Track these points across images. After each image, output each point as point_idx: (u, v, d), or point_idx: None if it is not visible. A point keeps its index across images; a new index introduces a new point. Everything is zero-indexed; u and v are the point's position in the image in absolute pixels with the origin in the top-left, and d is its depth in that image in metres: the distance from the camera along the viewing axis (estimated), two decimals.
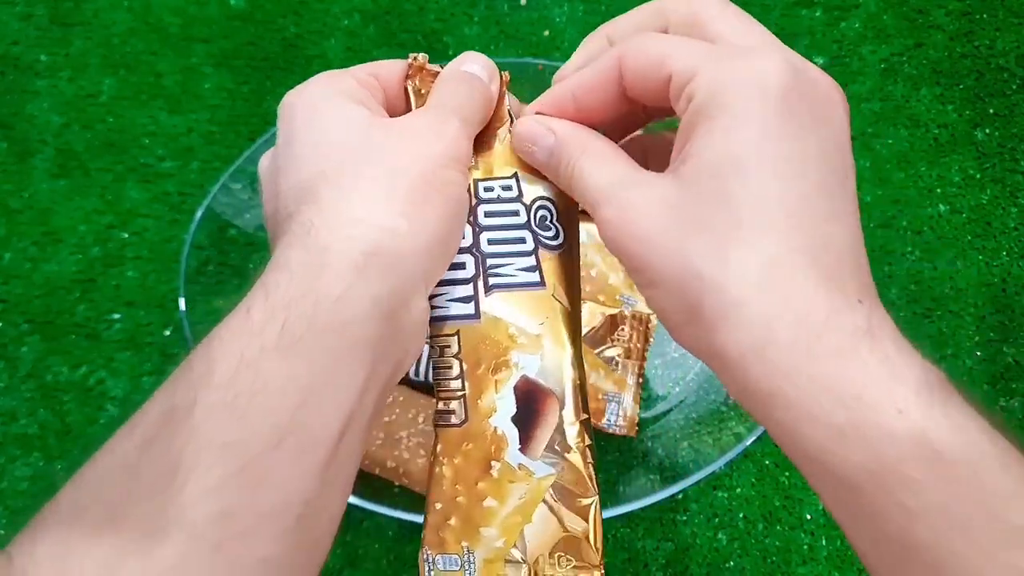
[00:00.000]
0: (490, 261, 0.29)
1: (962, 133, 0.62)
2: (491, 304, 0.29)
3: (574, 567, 0.28)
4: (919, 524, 0.20)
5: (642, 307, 0.55)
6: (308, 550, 0.24)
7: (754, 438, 0.50)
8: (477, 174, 0.30)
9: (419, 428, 0.50)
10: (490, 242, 0.29)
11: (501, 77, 0.31)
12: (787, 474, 0.53)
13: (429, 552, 0.29)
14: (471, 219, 0.29)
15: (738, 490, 0.53)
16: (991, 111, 0.62)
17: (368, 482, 0.51)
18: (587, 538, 0.28)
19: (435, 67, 0.31)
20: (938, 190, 0.60)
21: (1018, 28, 0.64)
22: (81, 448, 0.55)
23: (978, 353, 0.56)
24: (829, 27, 0.65)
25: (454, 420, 0.29)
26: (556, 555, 0.28)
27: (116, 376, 0.56)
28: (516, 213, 0.30)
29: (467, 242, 0.29)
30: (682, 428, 0.54)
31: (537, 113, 0.29)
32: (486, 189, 0.30)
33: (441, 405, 0.30)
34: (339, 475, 0.24)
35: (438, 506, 0.29)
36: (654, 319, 0.55)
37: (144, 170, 0.62)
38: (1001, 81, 0.63)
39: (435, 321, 0.29)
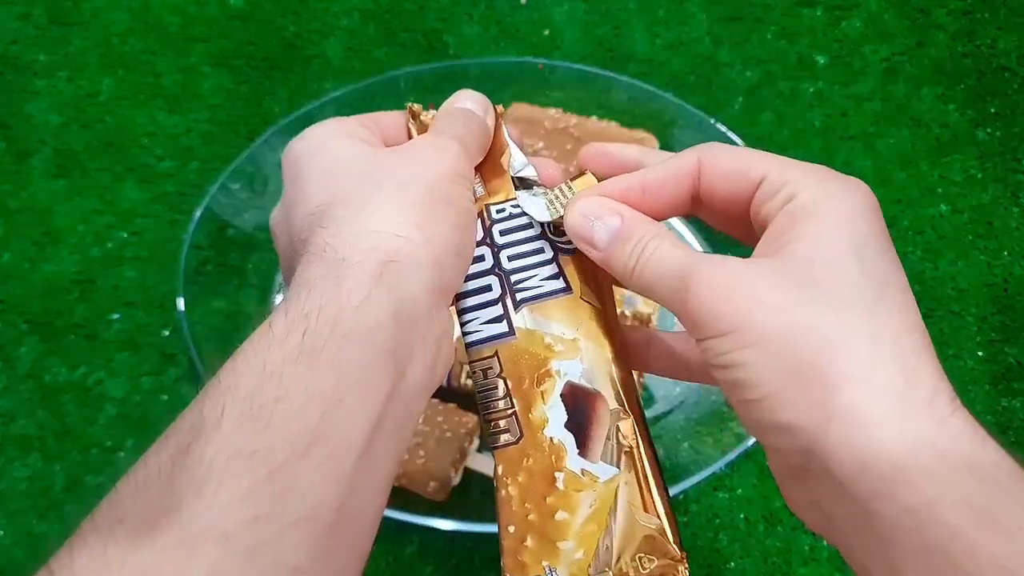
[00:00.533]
0: (514, 277, 0.30)
1: (963, 133, 0.61)
2: (523, 318, 0.30)
3: (658, 565, 0.28)
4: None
5: (642, 307, 0.55)
6: (343, 556, 0.24)
7: (755, 439, 0.50)
8: (488, 199, 0.31)
9: (419, 428, 0.50)
10: (510, 258, 0.30)
11: (496, 111, 0.32)
12: None
13: None
14: (488, 240, 0.30)
15: (739, 491, 0.53)
16: (993, 110, 0.62)
17: None
18: (663, 533, 0.28)
19: (430, 114, 0.32)
20: (939, 190, 0.60)
21: (1019, 27, 0.64)
22: (80, 448, 0.55)
23: (980, 353, 0.56)
24: (830, 26, 0.64)
25: (510, 439, 0.29)
26: (637, 557, 0.28)
27: (115, 376, 0.56)
28: (530, 226, 0.30)
29: (488, 264, 0.30)
30: (683, 428, 0.53)
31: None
32: (498, 211, 0.31)
33: (493, 427, 0.30)
34: (371, 481, 0.24)
35: (511, 529, 0.29)
36: (655, 319, 0.55)
37: (143, 170, 0.61)
38: (1003, 80, 0.63)
39: (472, 346, 0.30)
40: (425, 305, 0.26)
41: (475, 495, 0.52)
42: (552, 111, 0.56)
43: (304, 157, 0.29)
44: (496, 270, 0.30)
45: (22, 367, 0.57)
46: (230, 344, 0.59)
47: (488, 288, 0.30)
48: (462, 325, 0.30)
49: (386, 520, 0.52)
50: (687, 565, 0.28)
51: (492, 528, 0.50)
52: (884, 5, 0.65)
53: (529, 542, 0.29)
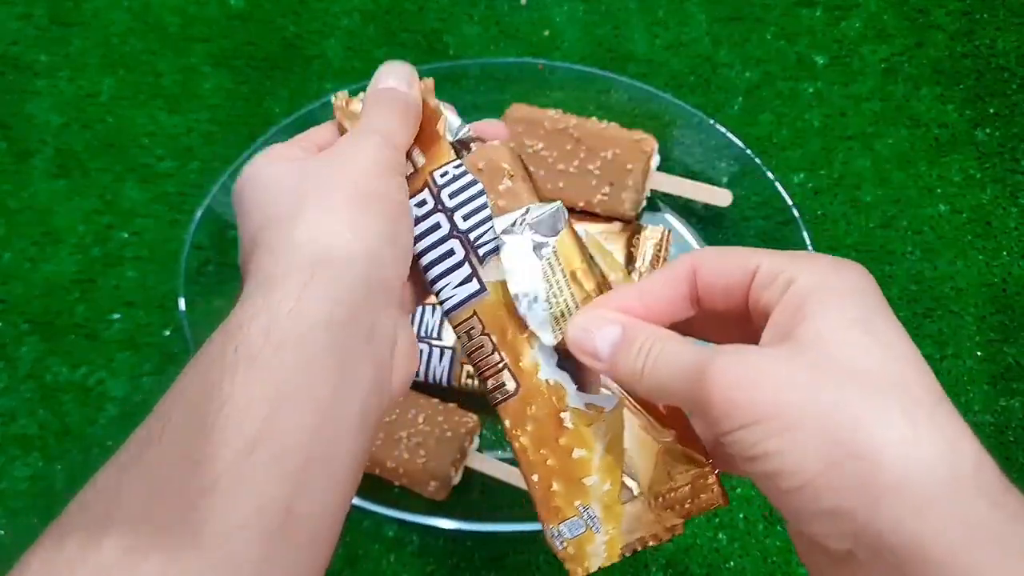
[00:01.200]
0: (472, 235, 0.30)
1: (962, 133, 0.61)
2: (489, 272, 0.30)
3: (687, 473, 0.28)
4: None
5: None
6: (297, 553, 0.24)
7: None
8: (430, 167, 0.31)
9: (419, 428, 0.50)
10: (464, 218, 0.30)
11: (423, 80, 0.33)
12: None
13: (550, 526, 0.29)
14: (440, 207, 0.31)
15: (739, 490, 0.53)
16: (991, 111, 0.62)
17: (368, 482, 0.51)
18: (681, 441, 0.28)
19: (359, 100, 0.33)
20: (938, 190, 0.60)
21: (1018, 28, 0.64)
22: (81, 448, 0.55)
23: (979, 353, 0.56)
24: (829, 27, 0.65)
25: (508, 391, 0.30)
26: (666, 471, 0.28)
27: (116, 376, 0.56)
28: (475, 182, 0.31)
29: (445, 229, 0.30)
30: None
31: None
32: (442, 176, 0.31)
33: (490, 383, 0.30)
34: (324, 481, 0.25)
35: (535, 478, 0.30)
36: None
37: (144, 170, 0.62)
38: (1001, 81, 0.63)
39: (451, 311, 0.30)
40: (364, 299, 0.26)
41: (475, 494, 0.52)
42: (552, 112, 0.56)
43: (244, 190, 0.29)
44: (455, 233, 0.30)
45: (23, 367, 0.57)
46: None
47: (452, 252, 0.30)
48: (437, 295, 0.30)
49: (386, 519, 0.53)
50: (716, 471, 0.28)
51: (493, 527, 0.50)
52: (883, 5, 0.65)
53: (556, 486, 0.29)
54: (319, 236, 0.27)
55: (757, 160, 0.56)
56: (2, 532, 0.53)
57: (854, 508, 0.21)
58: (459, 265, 0.30)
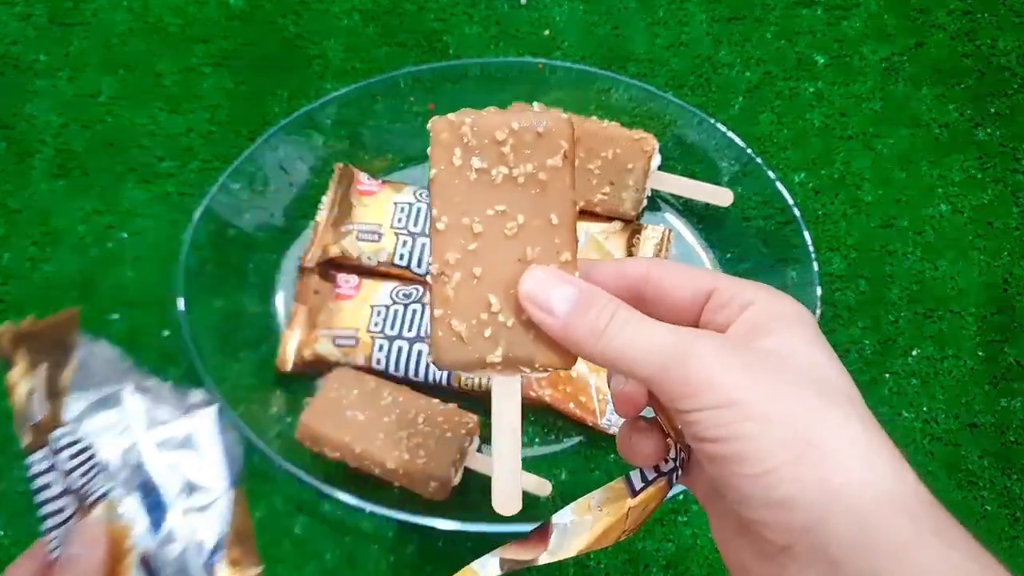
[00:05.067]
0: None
1: (963, 133, 0.61)
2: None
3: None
4: None
5: None
6: None
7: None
8: None
9: (419, 429, 0.50)
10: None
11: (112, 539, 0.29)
12: None
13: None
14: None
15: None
16: (992, 110, 0.62)
17: (368, 483, 0.51)
18: None
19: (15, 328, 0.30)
20: (939, 190, 0.60)
21: (1019, 27, 0.64)
22: None
23: (979, 353, 0.56)
24: (830, 26, 0.65)
25: None
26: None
27: None
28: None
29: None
30: None
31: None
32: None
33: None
34: None
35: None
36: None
37: (143, 170, 0.61)
38: (1002, 80, 0.63)
39: None
40: None
41: (475, 495, 0.52)
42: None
43: None
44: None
45: None
46: (229, 344, 0.59)
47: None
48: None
49: (386, 520, 0.53)
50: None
51: (492, 528, 0.50)
52: (884, 5, 0.65)
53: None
54: None
55: (758, 160, 0.56)
56: (1, 533, 0.53)
57: (812, 501, 0.23)
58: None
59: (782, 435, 0.23)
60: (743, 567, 0.26)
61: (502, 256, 0.29)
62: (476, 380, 0.53)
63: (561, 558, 0.29)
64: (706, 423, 0.24)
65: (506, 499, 0.30)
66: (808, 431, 0.23)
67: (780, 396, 0.24)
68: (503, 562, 0.29)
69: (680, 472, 0.30)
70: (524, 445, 0.54)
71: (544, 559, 0.29)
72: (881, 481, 0.23)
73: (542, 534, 0.30)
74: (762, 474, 0.23)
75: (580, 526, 0.30)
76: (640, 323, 0.27)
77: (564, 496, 0.51)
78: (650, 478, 0.30)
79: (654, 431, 0.30)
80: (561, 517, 0.30)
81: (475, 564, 0.29)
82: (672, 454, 0.30)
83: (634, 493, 0.30)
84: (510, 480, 0.30)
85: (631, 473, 0.30)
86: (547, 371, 0.30)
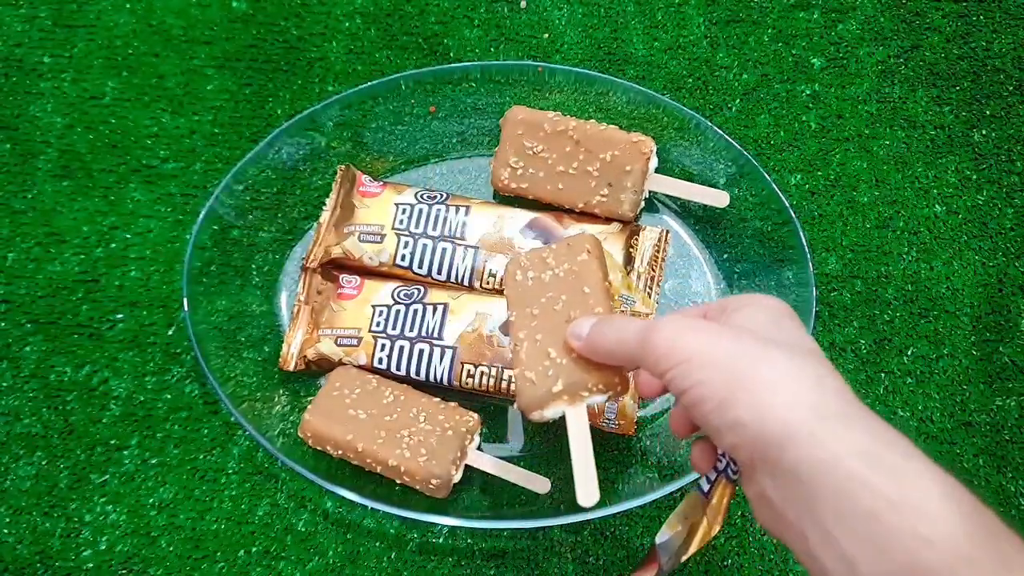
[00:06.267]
0: None
1: (959, 134, 0.62)
2: None
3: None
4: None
5: (640, 307, 0.56)
6: None
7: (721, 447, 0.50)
8: None
9: (420, 427, 0.51)
10: None
11: None
12: None
13: None
14: None
15: (736, 488, 0.53)
16: (988, 113, 0.63)
17: (369, 480, 0.52)
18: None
19: None
20: (935, 191, 0.61)
21: (1015, 30, 0.65)
22: (84, 447, 0.55)
23: (974, 353, 0.57)
24: (826, 29, 0.65)
25: None
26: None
27: (119, 376, 0.57)
28: None
29: None
30: None
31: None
32: None
33: None
34: None
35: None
36: (652, 319, 0.55)
37: (147, 171, 0.62)
38: (997, 83, 0.63)
39: None
40: None
41: (476, 492, 0.53)
42: (551, 114, 0.57)
43: None
44: None
45: (27, 366, 0.57)
46: (233, 343, 0.60)
47: None
48: None
49: (388, 517, 0.53)
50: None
51: (493, 525, 0.50)
52: (880, 8, 0.66)
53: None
54: None
55: (755, 161, 0.57)
56: (6, 530, 0.53)
57: (750, 419, 0.29)
58: None
59: (725, 374, 0.31)
60: (774, 521, 0.31)
61: (554, 322, 0.42)
62: (476, 380, 0.54)
63: (674, 567, 0.37)
64: (676, 379, 0.32)
65: (586, 495, 0.40)
66: (744, 367, 0.30)
67: (724, 347, 0.31)
68: None
69: (733, 465, 0.36)
70: (524, 444, 0.55)
71: (667, 567, 0.37)
72: (804, 392, 0.29)
73: (652, 556, 0.38)
74: (716, 407, 0.31)
75: (677, 538, 0.37)
76: (626, 321, 0.38)
77: (563, 493, 0.52)
78: (712, 479, 0.36)
79: (705, 443, 0.37)
80: (660, 537, 0.38)
81: None
82: (720, 453, 0.36)
83: (706, 496, 0.37)
84: (590, 482, 0.40)
85: (699, 481, 0.37)
86: (606, 394, 0.40)
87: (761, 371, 0.30)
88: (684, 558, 0.37)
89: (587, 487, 0.40)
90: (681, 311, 0.37)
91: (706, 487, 0.37)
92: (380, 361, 0.54)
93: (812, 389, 0.29)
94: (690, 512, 0.37)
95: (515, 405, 0.47)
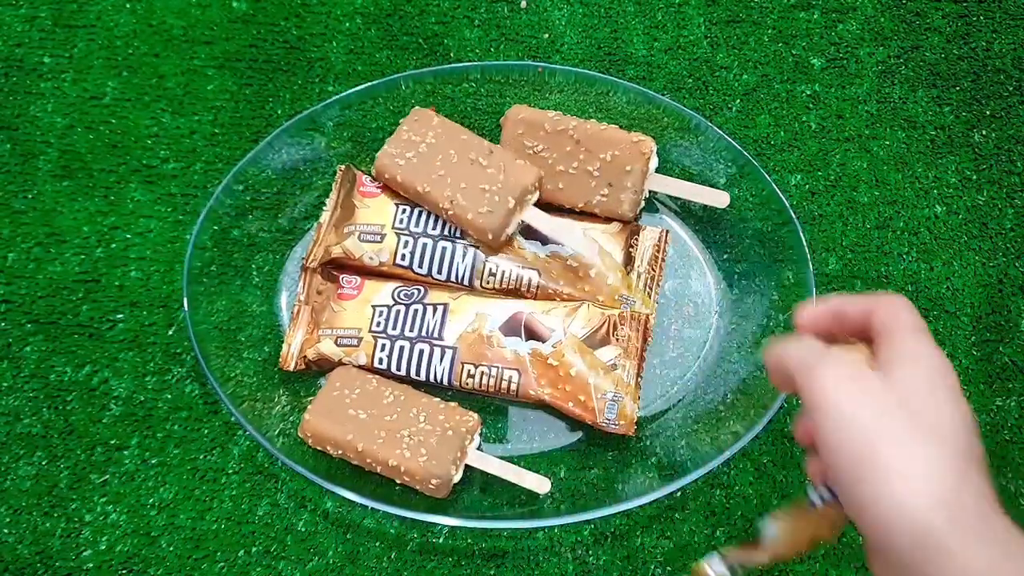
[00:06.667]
0: None
1: (959, 135, 0.62)
2: None
3: None
4: None
5: (641, 307, 0.56)
6: None
7: (751, 437, 0.50)
8: None
9: (420, 427, 0.51)
10: None
11: None
12: (784, 473, 0.54)
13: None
14: None
15: (736, 488, 0.54)
16: (988, 113, 0.63)
17: (369, 480, 0.52)
18: None
19: None
20: (935, 191, 0.61)
21: (1015, 30, 0.65)
22: (85, 447, 0.55)
23: (974, 353, 0.57)
24: (827, 29, 0.65)
25: None
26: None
27: (119, 376, 0.57)
28: None
29: None
30: (680, 427, 0.54)
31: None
32: None
33: None
34: None
35: None
36: (652, 319, 0.55)
37: (147, 171, 0.62)
38: (998, 83, 0.63)
39: None
40: None
41: (476, 492, 0.53)
42: (552, 114, 0.57)
43: None
44: None
45: (27, 367, 0.57)
46: (233, 343, 0.60)
47: None
48: None
49: (388, 517, 0.53)
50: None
51: (493, 524, 0.50)
52: (880, 8, 0.66)
53: None
54: None
55: (755, 162, 0.57)
56: (6, 530, 0.53)
57: (871, 503, 0.29)
58: None
59: (859, 447, 0.30)
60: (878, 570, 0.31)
61: (463, 169, 0.53)
62: (476, 380, 0.54)
63: (764, 559, 0.36)
64: (817, 427, 0.32)
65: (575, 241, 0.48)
66: (880, 448, 0.29)
67: (864, 415, 0.30)
68: (724, 558, 0.35)
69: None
70: (524, 444, 0.55)
71: (759, 558, 0.36)
72: (937, 489, 0.28)
73: (755, 541, 0.37)
74: (845, 475, 0.30)
75: (780, 531, 0.36)
76: (810, 348, 0.34)
77: (563, 493, 0.52)
78: (824, 497, 0.35)
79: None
80: (763, 524, 0.37)
81: (703, 561, 0.35)
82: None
83: (812, 506, 0.35)
84: (574, 237, 0.50)
85: (809, 490, 0.36)
86: (539, 191, 0.51)
87: (894, 457, 0.29)
88: (778, 552, 0.36)
89: (573, 236, 0.52)
90: (819, 306, 0.36)
91: (815, 501, 0.36)
92: (380, 361, 0.54)
93: (950, 489, 0.29)
94: (796, 516, 0.36)
95: (476, 238, 0.54)
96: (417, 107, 0.58)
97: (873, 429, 0.30)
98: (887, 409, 0.30)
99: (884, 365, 0.32)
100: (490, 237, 0.53)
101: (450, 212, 0.53)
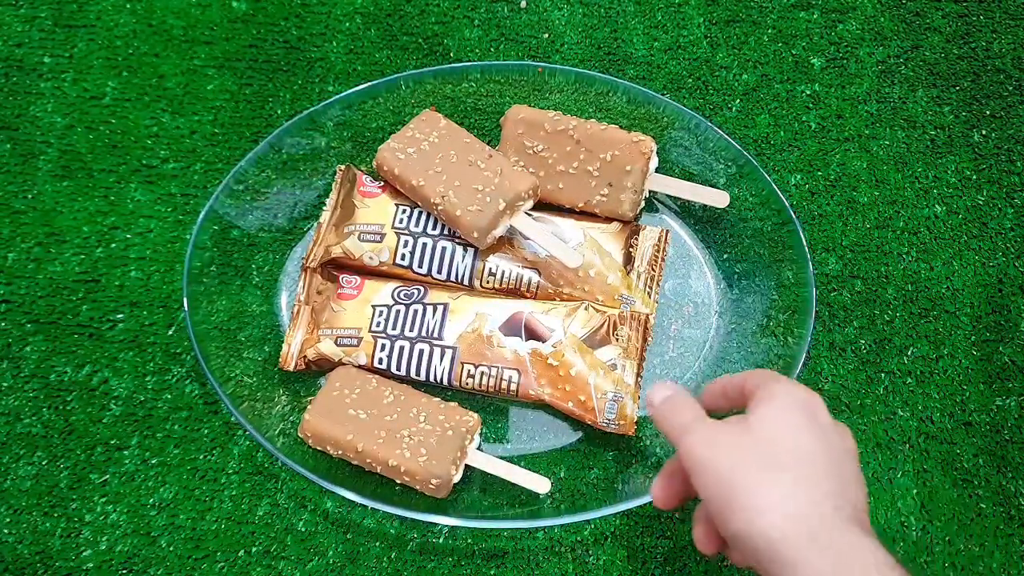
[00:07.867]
0: None
1: (959, 135, 0.62)
2: None
3: None
4: None
5: (640, 307, 0.56)
6: None
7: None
8: None
9: (420, 427, 0.51)
10: None
11: None
12: None
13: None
14: None
15: None
16: (988, 113, 0.63)
17: (369, 480, 0.52)
18: None
19: None
20: (935, 191, 0.61)
21: (1015, 30, 0.65)
22: (85, 447, 0.55)
23: (974, 353, 0.57)
24: (827, 29, 0.65)
25: None
26: None
27: (119, 376, 0.57)
28: None
29: None
30: None
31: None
32: None
33: None
34: None
35: None
36: (652, 319, 0.55)
37: (147, 171, 0.62)
38: (997, 83, 0.63)
39: None
40: None
41: (476, 492, 0.53)
42: (552, 113, 0.57)
43: None
44: None
45: (27, 367, 0.57)
46: (233, 343, 0.60)
47: None
48: None
49: (388, 517, 0.53)
50: None
51: (493, 524, 0.50)
52: (880, 8, 0.66)
53: None
54: None
55: (755, 162, 0.57)
56: (6, 530, 0.53)
57: (742, 534, 0.34)
58: None
59: (722, 489, 0.35)
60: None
61: (460, 168, 0.53)
62: (476, 380, 0.54)
63: None
64: (695, 482, 0.36)
65: (569, 259, 0.49)
66: (739, 485, 0.34)
67: (721, 462, 0.35)
68: None
69: None
70: (524, 444, 0.55)
71: None
72: (788, 512, 0.33)
73: None
74: (716, 515, 0.35)
75: None
76: (685, 408, 0.39)
77: (563, 493, 0.52)
78: None
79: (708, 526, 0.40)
80: None
81: None
82: None
83: None
84: (565, 251, 0.51)
85: None
86: (533, 199, 0.53)
87: (750, 495, 0.34)
88: None
89: (566, 253, 0.52)
90: (707, 389, 0.42)
91: None
92: (380, 361, 0.54)
93: (801, 508, 0.33)
94: None
95: (463, 236, 0.54)
96: (428, 109, 0.58)
97: (728, 478, 0.35)
98: (743, 452, 0.35)
99: (748, 412, 0.37)
100: (476, 235, 0.53)
101: (440, 207, 0.53)
